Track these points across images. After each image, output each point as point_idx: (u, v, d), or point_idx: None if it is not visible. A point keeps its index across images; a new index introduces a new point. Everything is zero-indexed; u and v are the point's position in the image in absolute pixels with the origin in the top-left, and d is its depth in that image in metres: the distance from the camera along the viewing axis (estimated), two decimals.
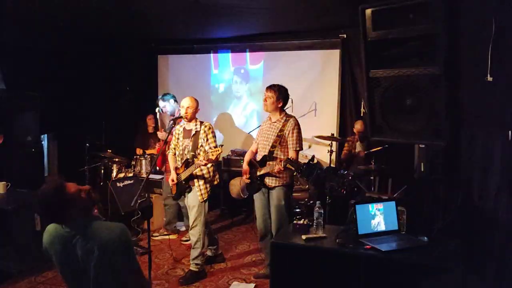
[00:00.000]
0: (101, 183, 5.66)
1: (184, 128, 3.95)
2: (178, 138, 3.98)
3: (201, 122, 3.90)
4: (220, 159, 5.36)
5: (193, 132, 3.85)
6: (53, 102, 5.64)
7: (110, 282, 1.84)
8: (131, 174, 5.37)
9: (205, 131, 3.83)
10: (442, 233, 3.06)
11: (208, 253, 4.13)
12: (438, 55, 2.38)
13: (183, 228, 5.08)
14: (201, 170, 3.79)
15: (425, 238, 2.74)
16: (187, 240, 4.80)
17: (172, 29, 5.96)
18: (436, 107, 2.43)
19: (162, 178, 5.21)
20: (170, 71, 7.02)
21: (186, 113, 3.82)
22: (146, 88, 6.99)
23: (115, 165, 5.65)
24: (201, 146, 3.80)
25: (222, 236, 4.95)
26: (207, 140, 3.81)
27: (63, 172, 6.10)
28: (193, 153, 3.79)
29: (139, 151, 5.92)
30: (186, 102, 3.85)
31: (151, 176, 5.17)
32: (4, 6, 4.27)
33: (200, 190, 3.81)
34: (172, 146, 4.07)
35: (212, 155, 3.51)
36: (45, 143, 5.99)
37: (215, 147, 3.74)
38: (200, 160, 3.61)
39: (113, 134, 6.23)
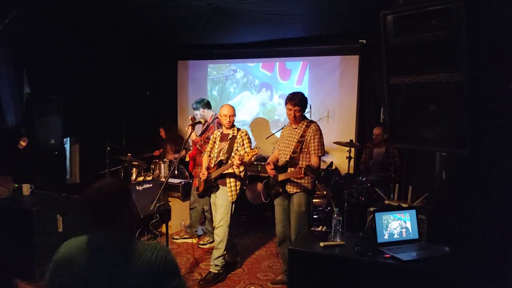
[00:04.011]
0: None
1: (221, 133, 4.09)
2: (214, 142, 4.10)
3: (238, 129, 4.03)
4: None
5: (230, 136, 3.98)
6: (75, 106, 5.76)
7: None
8: (150, 178, 5.44)
9: (241, 137, 3.94)
10: (464, 242, 3.00)
11: (227, 258, 4.13)
12: (461, 61, 2.34)
13: (201, 232, 5.10)
14: (233, 170, 3.86)
15: (446, 247, 2.69)
16: (204, 244, 4.84)
17: (192, 35, 6.03)
18: (459, 114, 2.38)
19: (181, 182, 5.26)
20: (190, 76, 7.09)
21: (229, 121, 3.96)
22: (166, 92, 7.08)
23: (134, 168, 5.74)
24: (236, 150, 3.89)
25: (239, 241, 4.95)
26: (243, 145, 3.91)
27: (84, 175, 6.29)
28: (227, 155, 3.86)
29: (157, 152, 6.03)
30: (227, 111, 3.96)
31: (170, 180, 5.22)
32: (29, 13, 4.39)
33: (231, 190, 3.86)
34: (207, 148, 4.20)
35: (248, 155, 3.59)
36: (67, 146, 6.11)
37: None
38: (235, 159, 3.68)
39: (133, 138, 6.33)
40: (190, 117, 4.83)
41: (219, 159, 3.95)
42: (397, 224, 2.78)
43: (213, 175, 3.93)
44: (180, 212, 5.28)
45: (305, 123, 3.66)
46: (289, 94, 3.69)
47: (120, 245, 1.61)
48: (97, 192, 1.62)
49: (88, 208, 1.62)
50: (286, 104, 3.67)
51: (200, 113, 4.87)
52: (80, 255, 1.59)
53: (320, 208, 5.17)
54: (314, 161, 3.55)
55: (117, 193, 1.64)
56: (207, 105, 4.93)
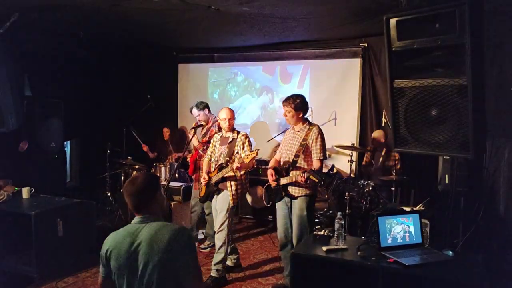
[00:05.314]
0: (121, 190, 5.73)
1: (221, 136, 4.09)
2: (215, 146, 4.10)
3: (238, 132, 4.02)
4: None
5: (230, 139, 3.97)
6: (76, 109, 5.76)
7: (169, 283, 1.88)
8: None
9: (241, 139, 3.93)
10: (467, 246, 2.99)
11: (228, 262, 4.11)
12: (465, 65, 2.33)
13: (202, 236, 5.08)
14: (234, 173, 3.84)
15: (450, 252, 2.67)
16: (205, 248, 4.81)
17: (193, 38, 6.03)
18: (463, 118, 2.38)
19: (181, 185, 5.24)
20: (190, 80, 7.08)
21: (228, 125, 3.97)
22: (166, 96, 7.07)
23: (134, 172, 5.72)
24: (237, 153, 3.88)
25: (240, 245, 4.93)
26: (243, 148, 3.89)
27: (84, 178, 6.27)
28: (228, 158, 3.86)
29: (152, 154, 6.01)
30: (226, 114, 3.97)
31: (171, 183, 5.20)
32: (30, 16, 4.38)
33: (232, 194, 3.84)
34: (208, 152, 4.18)
35: (247, 158, 3.59)
36: (67, 149, 6.10)
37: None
38: (235, 163, 3.67)
39: (133, 141, 6.31)
40: (194, 123, 4.81)
41: (219, 162, 3.94)
42: (401, 228, 2.76)
43: (214, 179, 3.92)
44: (180, 215, 5.26)
45: (307, 127, 3.64)
46: None
47: (149, 221, 1.96)
48: (129, 184, 1.98)
49: (125, 195, 1.99)
50: None
51: (204, 113, 4.85)
52: (123, 238, 1.93)
53: (321, 212, 5.15)
54: (316, 164, 3.53)
55: (151, 181, 2.01)
56: (206, 108, 4.93)
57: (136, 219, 1.99)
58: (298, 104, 3.58)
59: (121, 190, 5.68)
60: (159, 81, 6.99)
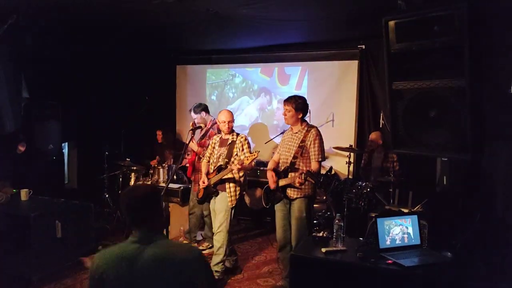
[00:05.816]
0: (119, 192, 5.72)
1: (221, 138, 4.10)
2: (214, 147, 4.11)
3: (237, 134, 4.04)
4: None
5: (229, 141, 3.98)
6: (74, 111, 5.74)
7: None
8: (148, 183, 5.41)
9: (241, 142, 3.94)
10: (466, 248, 2.99)
11: (227, 264, 4.11)
12: (463, 67, 2.34)
13: (200, 238, 5.08)
14: (233, 175, 3.85)
15: (448, 253, 2.68)
16: (204, 250, 4.80)
17: (191, 40, 6.03)
18: (461, 120, 2.39)
19: (180, 187, 5.24)
20: (188, 81, 7.08)
21: (228, 127, 3.97)
22: (164, 97, 7.07)
23: (133, 173, 5.72)
24: (236, 155, 3.89)
25: (238, 247, 4.92)
26: (243, 150, 3.90)
27: (82, 180, 6.25)
28: (227, 160, 3.86)
29: (153, 162, 6.00)
30: (225, 117, 3.97)
31: (169, 185, 5.19)
32: (26, 18, 4.37)
33: (231, 195, 3.85)
34: (207, 154, 4.19)
35: (247, 159, 3.61)
36: (65, 151, 6.08)
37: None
38: (234, 164, 3.68)
39: (131, 143, 6.31)
40: (191, 123, 4.81)
41: (218, 164, 3.94)
42: (399, 230, 2.78)
43: (213, 181, 3.92)
44: (179, 217, 5.25)
45: (306, 128, 3.65)
46: None
47: (147, 244, 1.73)
48: (127, 195, 1.81)
49: (122, 208, 1.83)
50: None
51: (201, 116, 4.85)
52: (120, 261, 1.73)
53: (320, 213, 5.15)
54: (314, 166, 3.54)
55: (146, 198, 1.79)
56: (205, 110, 4.92)
57: (134, 237, 1.76)
58: (299, 104, 3.61)
59: (119, 192, 5.68)
60: (157, 82, 6.98)
